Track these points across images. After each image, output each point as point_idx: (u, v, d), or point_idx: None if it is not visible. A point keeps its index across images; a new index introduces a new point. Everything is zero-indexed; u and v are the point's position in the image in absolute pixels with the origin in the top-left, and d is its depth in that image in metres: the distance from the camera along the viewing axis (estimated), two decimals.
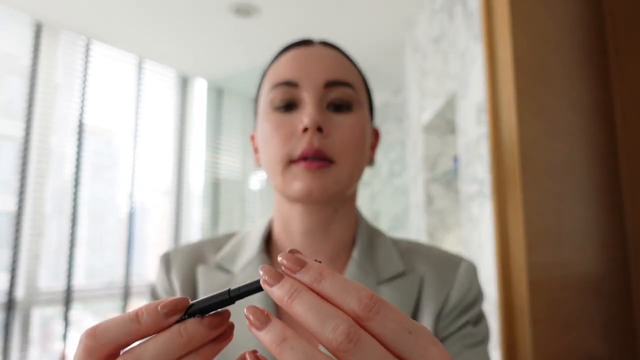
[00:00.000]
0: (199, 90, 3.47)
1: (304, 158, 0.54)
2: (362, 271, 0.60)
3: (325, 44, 0.63)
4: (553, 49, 1.33)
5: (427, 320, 0.58)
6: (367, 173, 3.63)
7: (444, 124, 2.27)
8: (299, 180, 0.55)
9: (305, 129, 0.55)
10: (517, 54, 1.13)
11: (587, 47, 1.56)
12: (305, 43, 0.62)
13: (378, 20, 2.55)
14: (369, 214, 3.61)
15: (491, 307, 1.36)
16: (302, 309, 0.26)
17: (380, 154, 3.61)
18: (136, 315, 0.29)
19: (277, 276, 0.28)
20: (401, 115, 3.58)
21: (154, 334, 0.29)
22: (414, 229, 2.67)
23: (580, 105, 1.45)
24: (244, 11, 2.45)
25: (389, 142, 3.60)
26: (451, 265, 0.62)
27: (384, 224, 3.53)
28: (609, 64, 1.69)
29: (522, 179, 1.08)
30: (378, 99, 3.66)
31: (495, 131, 1.17)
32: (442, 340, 0.58)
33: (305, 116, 0.54)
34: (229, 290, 0.31)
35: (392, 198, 3.54)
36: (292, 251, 0.29)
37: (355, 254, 0.61)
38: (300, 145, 0.55)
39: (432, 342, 0.26)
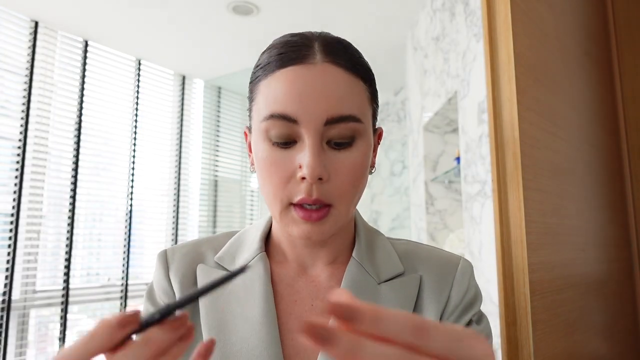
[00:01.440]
0: (198, 89, 3.46)
1: (302, 205, 0.53)
2: (363, 271, 0.60)
3: (330, 55, 0.54)
4: (554, 48, 1.32)
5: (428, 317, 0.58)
6: None
7: (445, 124, 2.26)
8: (297, 227, 0.54)
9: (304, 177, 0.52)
10: (518, 52, 1.12)
11: (589, 46, 1.55)
12: (305, 57, 0.53)
13: (378, 19, 2.54)
14: (369, 214, 3.60)
15: (493, 308, 1.35)
16: (368, 359, 0.26)
17: (380, 154, 3.60)
18: (93, 335, 0.32)
19: (331, 335, 0.26)
20: (402, 115, 3.56)
21: (112, 347, 0.32)
22: (414, 229, 2.65)
23: (582, 104, 1.43)
24: (242, 10, 2.44)
25: (389, 142, 3.59)
26: (449, 265, 0.63)
27: (385, 224, 3.52)
28: (612, 62, 1.68)
29: (523, 178, 1.07)
30: (379, 98, 3.64)
31: (497, 130, 1.16)
32: None
33: (305, 166, 0.51)
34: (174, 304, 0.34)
35: (393, 198, 3.53)
36: (335, 303, 0.27)
37: (355, 254, 0.62)
38: (299, 192, 0.53)
39: (474, 338, 0.28)
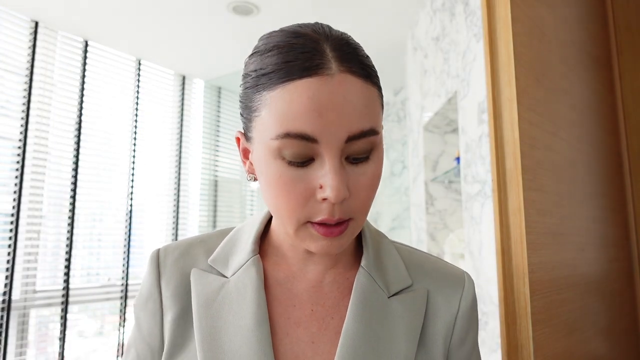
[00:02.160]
0: (198, 89, 3.46)
1: (323, 224, 0.50)
2: (372, 282, 0.59)
3: (346, 63, 0.49)
4: (554, 48, 1.32)
5: (438, 342, 0.59)
6: None
7: (445, 124, 2.26)
8: (315, 243, 0.52)
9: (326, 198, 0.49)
10: (518, 52, 1.12)
11: (589, 46, 1.55)
12: (320, 68, 0.48)
13: (378, 18, 2.54)
14: (369, 214, 3.59)
15: (493, 308, 1.35)
16: None
17: None
18: None
19: None
20: (402, 115, 3.56)
21: None
22: (414, 229, 2.65)
23: (583, 104, 1.43)
24: (242, 10, 2.44)
25: (389, 142, 3.59)
26: (456, 282, 0.63)
27: (385, 224, 3.52)
28: (612, 62, 1.68)
29: (523, 178, 1.07)
30: None
31: (497, 130, 1.16)
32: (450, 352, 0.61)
33: (329, 188, 0.48)
34: None
35: (393, 198, 3.53)
36: None
37: (364, 263, 0.60)
38: (320, 213, 0.50)
39: None
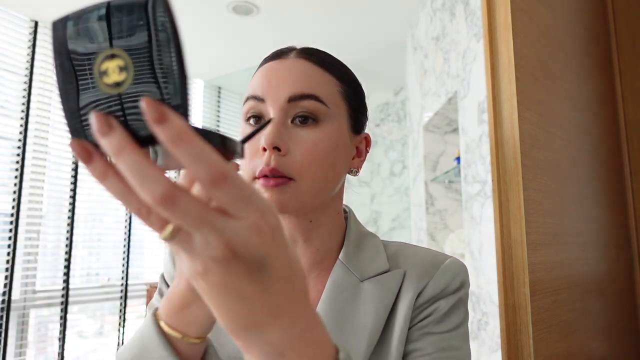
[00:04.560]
0: (198, 89, 3.46)
1: (263, 176, 0.56)
2: (346, 271, 0.61)
3: (304, 53, 0.61)
4: (554, 48, 1.32)
5: (403, 309, 0.59)
6: (367, 173, 3.62)
7: (445, 124, 2.26)
8: None
9: (265, 148, 0.56)
10: (518, 52, 1.12)
11: (589, 46, 1.55)
12: (282, 55, 0.61)
13: (378, 19, 2.54)
14: (369, 214, 3.60)
15: (493, 308, 1.35)
16: (124, 167, 0.27)
17: (380, 154, 3.59)
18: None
19: (107, 126, 0.27)
20: (402, 115, 3.56)
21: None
22: (414, 229, 2.65)
23: (582, 104, 1.43)
24: (242, 10, 2.43)
25: (389, 142, 3.59)
26: (435, 261, 0.63)
27: (385, 225, 3.52)
28: (612, 62, 1.68)
29: (523, 178, 1.07)
30: (378, 98, 3.64)
31: (497, 130, 1.16)
32: (411, 327, 0.59)
33: (264, 135, 0.56)
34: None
35: (393, 198, 3.53)
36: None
37: (341, 256, 0.63)
38: (260, 164, 0.56)
39: (262, 215, 0.29)
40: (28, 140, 2.43)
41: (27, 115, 2.44)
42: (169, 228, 0.29)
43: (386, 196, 3.56)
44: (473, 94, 1.58)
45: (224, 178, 0.27)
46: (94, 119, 0.26)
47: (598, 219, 1.42)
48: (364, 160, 0.67)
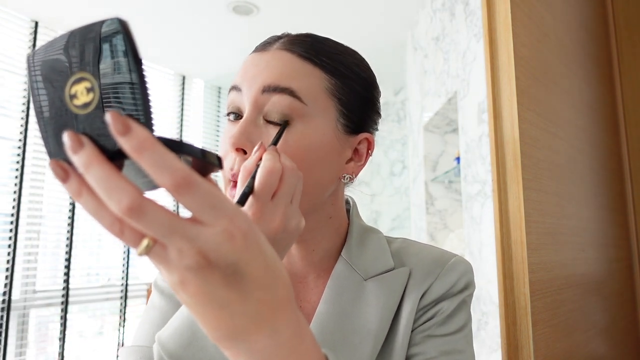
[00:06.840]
0: (198, 89, 3.46)
1: (232, 178, 0.52)
2: (349, 269, 0.59)
3: (288, 44, 0.55)
4: (554, 48, 1.32)
5: (407, 310, 0.57)
6: (367, 173, 3.62)
7: (445, 124, 2.26)
8: None
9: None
10: (518, 52, 1.12)
11: (589, 45, 1.55)
12: (266, 46, 0.56)
13: (378, 18, 2.54)
14: (369, 214, 3.60)
15: (493, 308, 1.35)
16: (92, 180, 0.27)
17: (380, 154, 3.59)
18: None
19: (78, 143, 0.27)
20: (402, 115, 3.56)
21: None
22: (414, 229, 2.65)
23: (582, 104, 1.43)
24: (242, 10, 2.43)
25: (389, 142, 3.59)
26: (441, 260, 0.60)
27: (385, 224, 3.52)
28: (612, 62, 1.68)
29: (523, 178, 1.07)
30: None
31: (497, 130, 1.16)
32: (413, 330, 0.57)
33: (228, 135, 0.52)
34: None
35: (393, 198, 3.53)
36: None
37: (344, 253, 0.60)
38: (229, 166, 0.53)
39: (232, 218, 0.29)
40: (28, 140, 2.43)
41: (27, 115, 2.44)
42: (144, 242, 0.28)
43: (386, 196, 3.56)
44: (473, 94, 1.58)
45: (187, 184, 0.27)
46: (66, 139, 0.28)
47: (598, 219, 1.42)
48: (364, 165, 0.60)
